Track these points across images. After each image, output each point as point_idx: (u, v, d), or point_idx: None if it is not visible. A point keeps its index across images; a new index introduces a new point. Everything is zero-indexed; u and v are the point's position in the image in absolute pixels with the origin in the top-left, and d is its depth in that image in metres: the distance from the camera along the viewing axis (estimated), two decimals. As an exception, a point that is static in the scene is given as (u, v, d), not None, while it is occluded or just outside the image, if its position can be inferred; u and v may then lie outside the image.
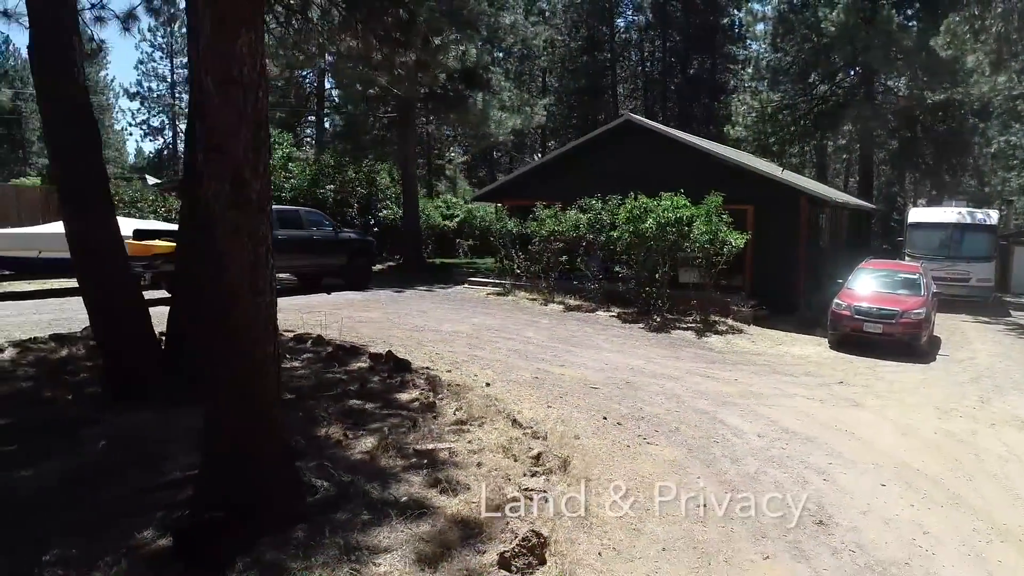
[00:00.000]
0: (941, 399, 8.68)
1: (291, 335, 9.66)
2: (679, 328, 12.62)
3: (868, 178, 28.70)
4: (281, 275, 14.10)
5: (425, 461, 5.32)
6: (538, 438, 5.95)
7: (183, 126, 65.46)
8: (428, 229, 26.33)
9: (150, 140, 67.08)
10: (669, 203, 13.10)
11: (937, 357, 11.51)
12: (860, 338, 11.59)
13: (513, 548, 3.96)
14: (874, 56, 24.73)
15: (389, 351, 8.67)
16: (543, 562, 3.99)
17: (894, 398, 8.66)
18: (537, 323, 12.41)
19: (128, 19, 7.89)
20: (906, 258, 18.39)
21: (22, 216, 16.82)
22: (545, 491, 4.84)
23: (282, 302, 11.78)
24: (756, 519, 4.90)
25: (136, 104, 63.01)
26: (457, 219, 29.27)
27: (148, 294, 7.84)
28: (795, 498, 5.29)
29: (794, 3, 27.72)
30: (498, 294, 15.85)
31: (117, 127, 69.82)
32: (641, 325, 12.77)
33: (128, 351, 6.32)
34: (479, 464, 5.28)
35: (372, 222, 23.56)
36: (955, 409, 8.23)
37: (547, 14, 36.95)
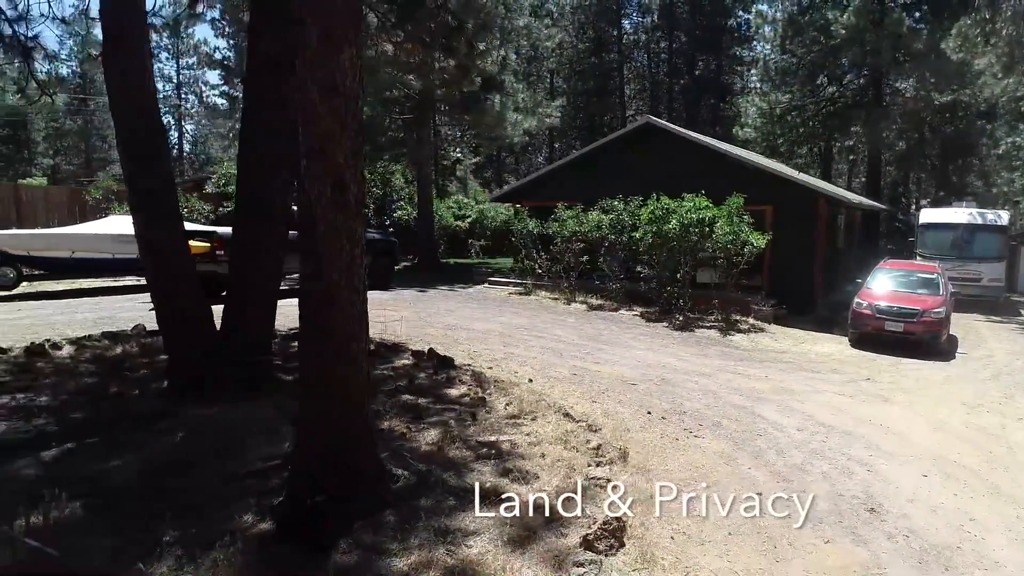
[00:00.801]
0: (966, 395, 8.93)
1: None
2: (702, 327, 12.86)
3: (876, 179, 28.97)
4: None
5: (490, 452, 5.56)
6: (593, 431, 6.19)
7: (190, 127, 65.49)
8: (440, 229, 26.57)
9: (155, 140, 67.09)
10: (691, 204, 13.35)
11: (956, 355, 11.75)
12: (881, 336, 11.83)
13: (596, 531, 4.20)
14: (883, 58, 25.03)
15: (431, 348, 8.92)
16: (623, 544, 4.22)
17: (921, 394, 8.90)
18: (564, 322, 12.66)
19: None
20: (917, 258, 18.64)
21: (51, 217, 17.06)
22: (612, 480, 5.08)
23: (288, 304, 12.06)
24: (813, 507, 5.14)
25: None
26: (469, 219, 29.50)
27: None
28: (844, 488, 5.55)
29: (803, 5, 28.00)
30: (520, 293, 16.09)
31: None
32: (665, 324, 13.01)
33: (193, 348, 6.55)
34: (543, 455, 5.52)
35: (387, 222, 23.78)
36: (981, 405, 8.48)
37: (555, 16, 37.18)
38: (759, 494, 5.33)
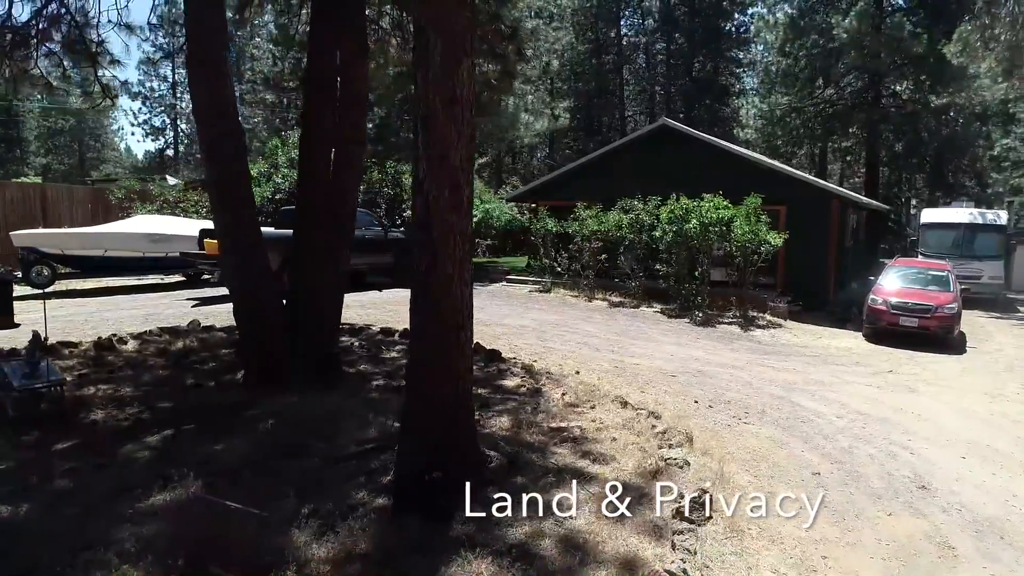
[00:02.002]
0: (985, 386, 9.39)
1: (377, 329, 10.23)
2: (722, 323, 13.29)
3: (874, 179, 29.56)
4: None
5: (563, 436, 5.94)
6: (656, 417, 6.58)
7: (185, 127, 65.39)
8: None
9: (152, 140, 66.86)
10: (710, 204, 13.78)
11: (967, 349, 12.23)
12: (895, 331, 12.28)
13: (687, 504, 4.60)
14: (883, 61, 25.61)
15: (477, 343, 9.26)
16: (710, 517, 4.62)
17: (943, 385, 9.35)
18: (591, 318, 13.06)
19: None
20: (919, 256, 19.18)
21: (75, 216, 17.27)
22: (686, 460, 5.47)
23: None
24: (868, 485, 5.56)
25: (138, 104, 62.92)
26: (475, 219, 29.85)
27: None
28: (892, 468, 5.97)
29: (804, 8, 28.54)
30: (540, 291, 16.48)
31: (115, 126, 69.85)
32: (686, 320, 13.43)
33: (270, 341, 6.88)
34: (613, 439, 5.90)
35: (399, 221, 24.09)
36: (1001, 395, 8.94)
37: (556, 17, 37.59)
38: (817, 473, 5.76)
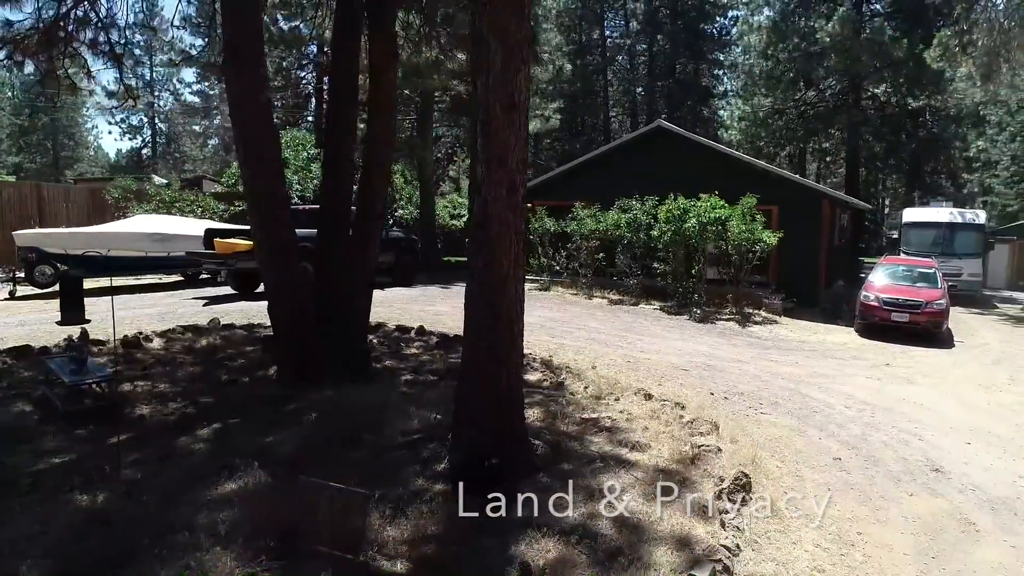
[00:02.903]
0: (978, 378, 9.84)
1: (392, 326, 10.43)
2: (720, 319, 13.66)
3: (854, 179, 30.26)
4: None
5: (596, 426, 6.20)
6: (681, 407, 6.88)
7: (163, 125, 64.48)
8: (436, 228, 27.09)
9: (129, 139, 66.06)
10: (707, 204, 14.16)
11: (955, 343, 12.72)
12: (887, 326, 12.74)
13: (728, 486, 4.89)
14: (863, 65, 26.28)
15: (493, 339, 9.50)
16: (750, 497, 4.92)
17: (938, 377, 9.78)
18: (594, 315, 13.36)
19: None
20: (901, 254, 19.77)
21: (71, 216, 17.17)
22: (718, 447, 5.78)
23: None
24: (886, 468, 5.91)
25: (114, 102, 62.08)
26: (464, 219, 30.04)
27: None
28: (906, 453, 6.33)
29: (787, 12, 29.15)
30: (539, 289, 16.75)
31: (89, 125, 68.81)
32: (686, 316, 13.79)
33: (305, 337, 7.06)
34: (645, 428, 6.19)
35: (391, 221, 24.22)
36: (994, 385, 9.39)
37: (541, 18, 37.84)
38: (838, 459, 6.10)
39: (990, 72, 19.44)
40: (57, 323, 10.12)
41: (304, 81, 38.44)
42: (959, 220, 20.50)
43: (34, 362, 7.46)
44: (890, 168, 33.94)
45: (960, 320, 15.84)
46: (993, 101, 30.25)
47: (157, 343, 8.56)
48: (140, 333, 8.70)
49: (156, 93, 63.64)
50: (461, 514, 4.31)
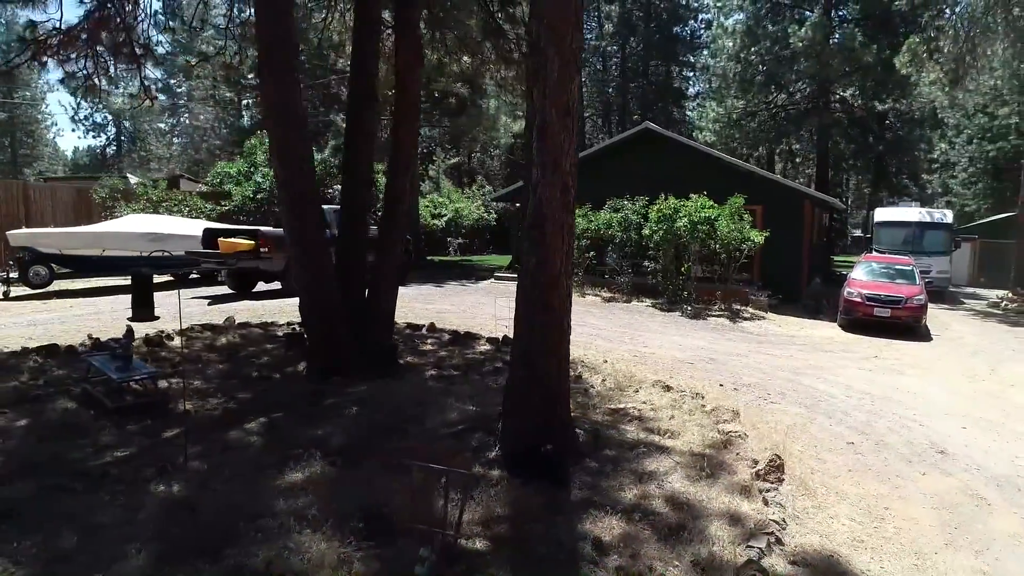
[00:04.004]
0: (960, 368, 10.42)
1: (403, 324, 10.62)
2: (711, 316, 14.13)
3: (824, 179, 31.19)
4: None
5: (625, 416, 6.53)
6: (701, 398, 7.24)
7: (129, 123, 63.07)
8: (420, 227, 27.26)
9: (93, 137, 64.63)
10: (697, 204, 14.62)
11: (933, 337, 13.37)
12: (870, 321, 13.33)
13: (763, 468, 5.25)
14: (835, 69, 27.16)
15: (505, 335, 9.78)
16: (783, 478, 5.28)
17: (924, 368, 10.33)
18: (591, 312, 13.70)
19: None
20: (873, 252, 20.55)
21: (57, 216, 16.92)
22: (745, 433, 6.14)
23: None
24: (896, 451, 6.33)
25: (77, 99, 60.60)
26: (445, 218, 30.25)
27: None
28: (911, 437, 6.78)
29: (759, 16, 29.93)
30: (532, 288, 17.03)
31: (48, 122, 67.12)
32: (678, 313, 14.23)
33: (335, 334, 7.24)
34: (671, 417, 6.52)
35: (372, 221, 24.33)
36: (976, 375, 9.97)
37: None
38: (851, 443, 6.51)
39: (957, 78, 20.30)
40: (128, 319, 10.36)
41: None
42: (928, 220, 21.38)
43: (65, 360, 7.50)
44: (857, 169, 35.06)
45: (932, 315, 16.50)
46: (952, 105, 31.45)
47: (178, 341, 8.64)
48: (162, 332, 8.77)
49: (121, 89, 62.31)
50: (525, 497, 4.58)
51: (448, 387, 7.28)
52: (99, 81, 8.75)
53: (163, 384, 6.88)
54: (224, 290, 14.32)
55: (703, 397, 7.31)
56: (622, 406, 6.83)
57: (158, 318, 10.59)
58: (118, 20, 7.81)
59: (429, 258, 25.90)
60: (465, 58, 10.49)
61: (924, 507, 5.10)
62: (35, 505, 4.19)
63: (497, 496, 4.59)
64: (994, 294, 21.47)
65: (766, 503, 4.74)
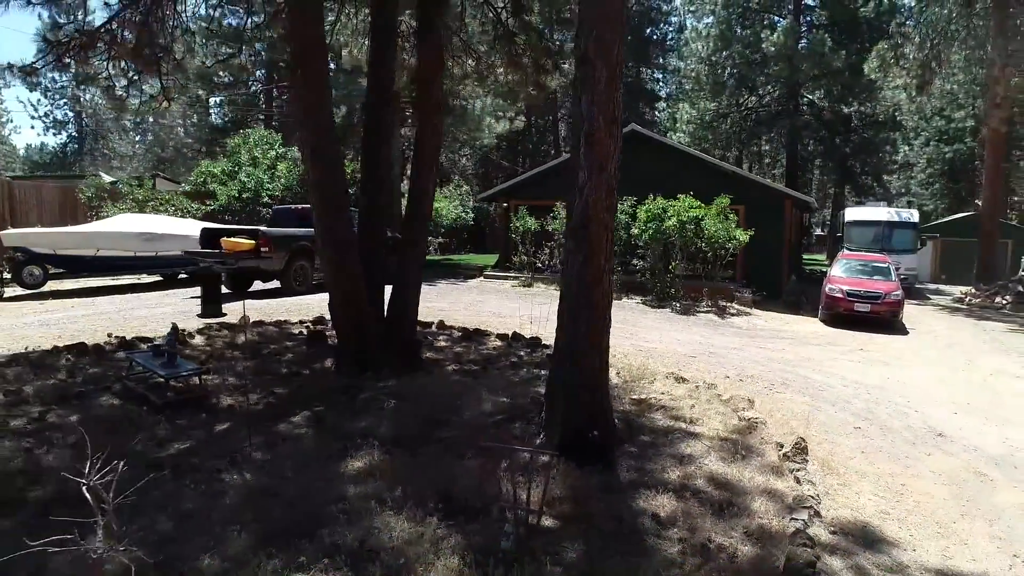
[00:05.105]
0: (939, 360, 11.06)
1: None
2: (699, 312, 14.63)
3: (794, 179, 32.18)
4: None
5: (648, 405, 6.89)
6: (714, 388, 7.64)
7: (89, 121, 61.42)
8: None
9: (54, 134, 62.97)
10: (684, 204, 15.11)
11: (909, 331, 14.07)
12: (850, 316, 13.97)
13: (790, 450, 5.66)
14: (804, 73, 28.09)
15: (515, 332, 10.10)
16: (807, 459, 5.69)
17: (907, 359, 10.94)
18: (586, 309, 14.06)
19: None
20: (845, 250, 21.37)
21: (43, 215, 16.67)
22: (764, 420, 6.56)
23: (318, 298, 13.62)
24: (900, 435, 6.82)
25: (37, 95, 58.94)
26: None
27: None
28: (910, 422, 7.28)
29: (731, 21, 30.77)
30: (523, 285, 17.37)
31: (3, 119, 65.21)
32: (668, 310, 14.70)
33: (366, 330, 7.47)
34: (692, 406, 6.91)
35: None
36: (956, 366, 10.60)
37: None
38: (858, 428, 6.98)
39: (924, 83, 21.24)
40: (198, 315, 10.96)
41: (254, 78, 37.86)
42: (896, 219, 22.30)
43: (96, 359, 7.58)
44: (826, 169, 36.18)
45: (904, 311, 17.37)
46: (911, 108, 32.74)
47: (199, 340, 8.75)
48: (184, 330, 8.85)
49: (82, 86, 60.88)
50: (581, 479, 4.91)
51: (473, 381, 7.55)
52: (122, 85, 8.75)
53: (195, 381, 7.03)
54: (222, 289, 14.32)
55: (716, 387, 7.71)
56: (644, 396, 7.19)
57: (225, 315, 10.97)
58: (143, 23, 7.89)
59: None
60: (470, 61, 10.73)
61: (935, 483, 5.56)
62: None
63: (552, 480, 4.89)
64: (957, 290, 22.46)
65: (798, 481, 5.14)
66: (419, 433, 5.79)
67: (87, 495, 2.89)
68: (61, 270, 13.55)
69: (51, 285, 13.46)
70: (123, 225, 14.29)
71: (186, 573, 3.54)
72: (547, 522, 4.35)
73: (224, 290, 14.00)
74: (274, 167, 22.48)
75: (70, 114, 61.39)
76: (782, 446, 5.81)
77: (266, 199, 20.74)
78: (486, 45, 10.11)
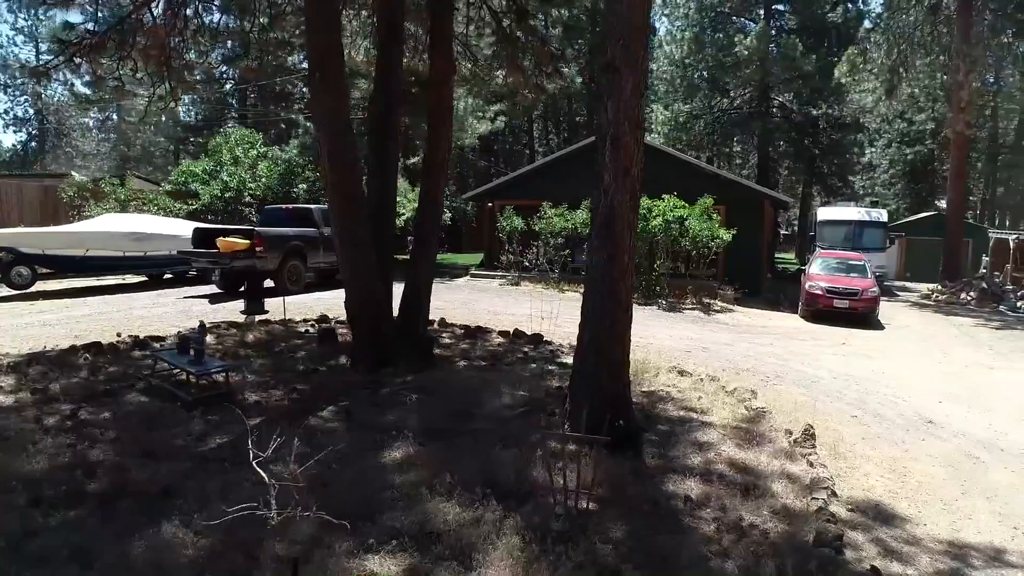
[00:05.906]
0: (918, 353, 11.59)
1: (413, 319, 11.00)
2: (685, 309, 15.05)
3: (765, 179, 32.96)
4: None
5: (658, 397, 7.21)
6: (718, 381, 7.99)
7: (52, 118, 59.97)
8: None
9: (14, 131, 61.34)
10: (668, 204, 15.52)
11: (886, 326, 14.66)
12: (830, 312, 14.51)
13: (799, 436, 6.01)
14: (776, 76, 28.85)
15: (516, 329, 10.35)
16: (815, 444, 6.05)
17: (889, 353, 11.45)
18: (576, 307, 14.32)
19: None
20: (817, 249, 22.07)
21: (24, 215, 16.40)
22: (769, 409, 6.91)
23: (312, 297, 13.82)
24: (893, 422, 7.23)
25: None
26: (404, 217, 30.38)
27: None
28: (901, 411, 7.71)
29: (705, 25, 31.44)
30: (510, 285, 17.62)
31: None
32: (654, 307, 15.09)
33: (382, 327, 7.65)
34: (699, 397, 7.24)
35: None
36: (934, 359, 11.14)
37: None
38: (855, 416, 7.38)
39: (892, 87, 22.00)
40: (241, 312, 11.16)
41: (227, 77, 37.52)
42: (867, 218, 23.07)
43: (114, 357, 7.63)
44: (795, 170, 37.12)
45: (877, 307, 18.04)
46: (874, 111, 33.82)
47: (210, 339, 8.81)
48: (192, 330, 8.90)
49: (43, 83, 59.36)
50: (613, 465, 5.17)
51: (486, 376, 7.77)
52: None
53: (219, 378, 7.13)
54: (211, 289, 14.30)
55: (718, 379, 8.06)
56: (652, 388, 7.51)
57: (267, 312, 11.16)
58: (154, 25, 7.96)
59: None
60: (467, 64, 10.96)
61: (934, 466, 5.96)
62: (183, 484, 4.52)
63: (586, 462, 5.15)
64: (923, 287, 23.33)
65: (811, 465, 5.48)
66: (447, 426, 6.00)
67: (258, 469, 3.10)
68: (50, 270, 13.41)
69: (39, 286, 13.30)
70: (112, 225, 14.17)
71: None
72: (588, 505, 4.60)
73: (215, 290, 14.03)
74: (255, 166, 22.37)
75: (30, 111, 59.85)
76: (791, 433, 6.16)
77: (248, 198, 20.65)
78: (488, 48, 10.33)
